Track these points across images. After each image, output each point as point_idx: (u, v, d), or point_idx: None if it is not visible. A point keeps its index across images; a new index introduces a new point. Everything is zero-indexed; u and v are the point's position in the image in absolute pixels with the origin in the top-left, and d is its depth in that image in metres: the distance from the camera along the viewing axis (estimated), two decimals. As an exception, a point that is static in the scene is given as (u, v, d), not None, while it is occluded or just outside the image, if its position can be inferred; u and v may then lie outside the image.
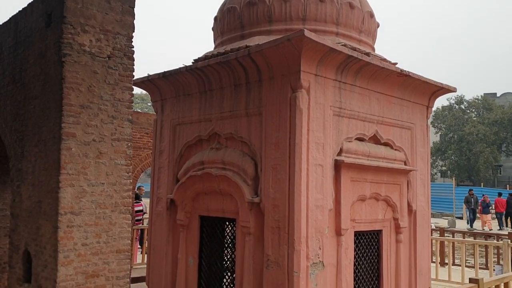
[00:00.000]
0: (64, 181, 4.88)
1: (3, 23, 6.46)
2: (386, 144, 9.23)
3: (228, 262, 10.64)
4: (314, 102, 7.78)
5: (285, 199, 7.52)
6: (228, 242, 10.24)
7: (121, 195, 5.32)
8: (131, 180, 5.49)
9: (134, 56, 5.56)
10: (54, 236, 4.85)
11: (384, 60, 9.28)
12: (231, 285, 10.58)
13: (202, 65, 9.01)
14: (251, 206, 8.07)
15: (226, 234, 10.09)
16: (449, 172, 60.85)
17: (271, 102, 7.94)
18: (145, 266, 11.66)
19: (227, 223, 9.62)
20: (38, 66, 5.46)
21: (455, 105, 62.94)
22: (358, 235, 8.60)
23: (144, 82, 9.74)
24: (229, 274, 10.65)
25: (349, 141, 8.42)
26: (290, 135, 7.59)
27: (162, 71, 9.73)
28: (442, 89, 10.02)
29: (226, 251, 10.32)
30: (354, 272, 8.40)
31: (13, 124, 5.94)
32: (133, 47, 5.60)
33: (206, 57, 9.62)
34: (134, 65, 5.56)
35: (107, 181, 5.20)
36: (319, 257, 7.66)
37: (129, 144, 5.46)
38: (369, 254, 8.90)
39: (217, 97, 9.11)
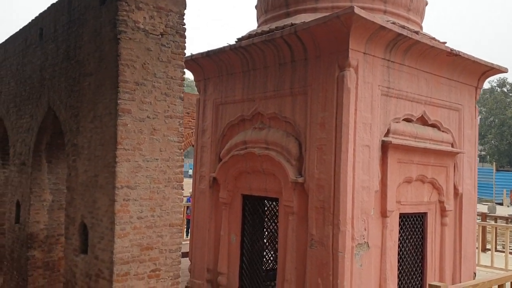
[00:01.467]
0: (121, 156, 5.02)
1: (57, 1, 6.62)
2: (433, 126, 9.07)
3: (270, 240, 10.77)
4: (362, 81, 7.69)
5: (330, 179, 7.52)
6: (271, 221, 10.36)
7: (173, 171, 5.44)
8: (182, 157, 5.60)
9: (185, 34, 5.61)
10: (111, 209, 5.01)
11: (433, 39, 9.05)
12: (273, 263, 10.73)
13: (246, 44, 9.01)
14: (294, 186, 8.11)
15: (268, 213, 10.20)
16: (488, 157, 59.25)
17: (317, 81, 7.89)
18: (187, 242, 11.96)
19: (269, 202, 9.72)
20: (93, 43, 5.58)
21: (496, 87, 60.95)
22: (403, 217, 8.53)
23: (187, 61, 9.81)
24: (271, 252, 10.78)
25: (397, 122, 8.31)
26: (337, 115, 7.55)
27: (206, 50, 9.79)
28: (493, 70, 9.72)
29: (268, 230, 10.44)
30: (398, 254, 8.36)
31: (68, 100, 6.12)
32: (184, 25, 5.65)
33: (249, 35, 9.61)
34: (185, 43, 5.62)
35: (160, 157, 5.31)
36: (364, 238, 7.66)
37: (180, 122, 5.55)
38: (413, 237, 8.83)
39: (260, 77, 9.12)
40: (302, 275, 8.00)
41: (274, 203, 9.29)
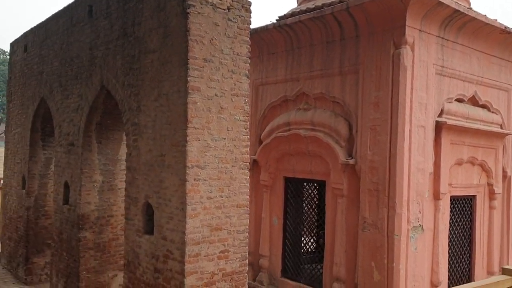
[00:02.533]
0: (191, 135, 4.92)
1: (110, -23, 6.49)
2: (483, 106, 8.86)
3: (315, 223, 10.70)
4: (418, 60, 7.49)
5: (385, 161, 7.38)
6: (316, 203, 10.27)
7: (240, 151, 5.33)
8: (248, 136, 5.49)
9: (251, 8, 5.45)
10: (181, 189, 4.93)
11: (484, 16, 8.80)
12: (311, 245, 10.66)
13: (291, 22, 8.81)
14: (344, 168, 7.98)
15: (313, 195, 10.12)
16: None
17: (370, 60, 7.70)
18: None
19: (314, 184, 9.62)
20: (156, 19, 5.45)
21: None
22: (453, 200, 8.39)
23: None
24: (315, 234, 10.70)
25: (449, 102, 8.12)
26: (393, 94, 7.36)
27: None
28: (546, 49, 9.44)
29: (312, 212, 10.37)
30: (448, 237, 8.25)
31: (125, 78, 6.02)
32: (250, -1, 5.50)
33: (293, 13, 9.39)
34: (251, 18, 5.46)
35: (228, 136, 5.21)
36: (419, 221, 7.54)
37: (246, 100, 5.43)
38: (462, 220, 8.69)
39: (306, 55, 8.93)
40: (353, 258, 7.92)
41: (320, 185, 9.18)
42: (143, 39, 5.67)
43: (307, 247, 10.45)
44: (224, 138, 5.18)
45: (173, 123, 5.12)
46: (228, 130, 5.21)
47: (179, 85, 5.03)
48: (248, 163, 5.46)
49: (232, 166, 5.23)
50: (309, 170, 8.80)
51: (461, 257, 8.66)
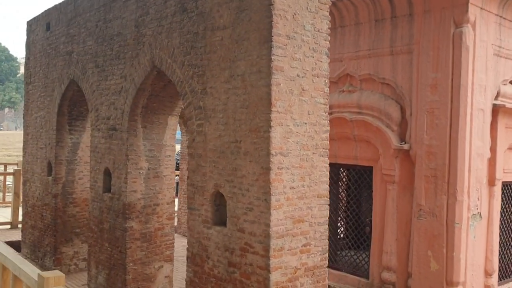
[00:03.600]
0: (275, 120, 4.53)
1: None
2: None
3: (356, 210, 10.42)
4: (479, 39, 7.13)
5: (444, 146, 7.06)
6: (360, 189, 9.97)
7: (320, 136, 4.97)
8: (328, 121, 5.12)
9: (329, -19, 5.04)
10: (264, 178, 4.56)
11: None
12: (362, 232, 10.37)
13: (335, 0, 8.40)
14: (397, 154, 7.66)
15: (357, 181, 9.81)
16: None
17: (427, 39, 7.32)
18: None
19: (359, 170, 9.30)
20: (225, -7, 5.02)
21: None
22: (504, 186, 8.14)
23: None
24: (360, 221, 10.41)
25: (504, 84, 7.81)
26: (453, 76, 7.02)
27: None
28: None
29: (355, 199, 10.07)
30: (499, 224, 8.02)
31: (185, 58, 5.59)
32: (326, -28, 5.07)
33: (335, -9, 8.96)
34: (330, -8, 5.06)
35: (309, 121, 4.83)
36: (477, 208, 7.28)
37: (326, 81, 5.04)
38: (511, 206, 8.47)
39: (350, 35, 8.53)
40: (405, 246, 7.65)
41: (366, 171, 8.84)
42: (210, 15, 5.23)
43: (345, 234, 10.17)
44: (306, 123, 4.80)
45: (251, 107, 4.73)
46: (309, 114, 4.83)
47: (259, 65, 4.62)
48: (328, 150, 5.10)
49: (313, 153, 4.87)
50: (354, 156, 8.47)
51: (509, 244, 8.45)
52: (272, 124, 4.52)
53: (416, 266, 7.34)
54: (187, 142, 12.08)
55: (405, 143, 7.56)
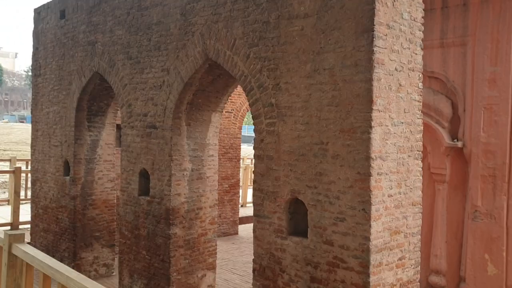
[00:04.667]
0: (375, 119, 4.01)
1: None
2: None
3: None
4: (542, 31, 6.75)
5: (504, 144, 6.64)
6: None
7: (415, 137, 4.46)
8: (422, 120, 4.63)
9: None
10: (361, 184, 4.03)
11: None
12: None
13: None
14: (448, 152, 7.23)
15: None
16: None
17: (484, 31, 6.87)
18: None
19: None
20: (306, -24, 4.44)
21: None
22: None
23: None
24: None
25: (559, 80, 7.44)
26: (515, 70, 6.62)
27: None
28: None
29: None
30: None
31: (251, 50, 5.00)
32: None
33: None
34: (422, -22, 4.54)
35: (405, 120, 4.32)
36: (538, 210, 6.92)
37: (420, 75, 4.54)
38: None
39: (392, 26, 8.05)
40: (456, 249, 7.26)
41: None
42: (286, 2, 4.64)
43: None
44: (402, 123, 4.29)
45: (342, 105, 4.19)
46: (405, 113, 4.32)
47: (355, 57, 4.08)
48: (421, 152, 4.61)
49: (408, 156, 4.37)
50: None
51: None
52: (372, 124, 3.99)
53: (471, 270, 6.95)
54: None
55: (457, 140, 7.13)
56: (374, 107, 3.99)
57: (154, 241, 6.34)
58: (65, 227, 8.47)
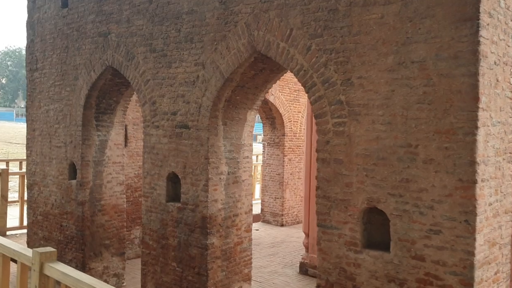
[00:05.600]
0: (480, 119, 3.54)
1: None
2: None
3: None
4: None
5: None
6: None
7: (508, 138, 4.01)
8: None
9: None
10: (463, 193, 3.52)
11: None
12: None
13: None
14: None
15: None
16: None
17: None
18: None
19: None
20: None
21: None
22: None
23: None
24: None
25: None
26: None
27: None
28: None
29: None
30: None
31: (313, 42, 4.41)
32: None
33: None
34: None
35: (500, 120, 3.86)
36: None
37: (511, 70, 4.09)
38: None
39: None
40: None
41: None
42: (361, -13, 4.11)
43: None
44: (499, 122, 3.82)
45: (437, 102, 3.69)
46: (500, 111, 3.85)
47: (456, 48, 3.57)
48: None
49: (503, 159, 3.91)
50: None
51: None
52: (478, 124, 3.51)
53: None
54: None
55: None
56: (479, 105, 3.50)
57: (187, 252, 5.72)
58: (71, 235, 7.71)
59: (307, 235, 8.77)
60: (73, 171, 7.77)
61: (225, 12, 5.25)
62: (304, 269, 8.65)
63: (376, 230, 4.16)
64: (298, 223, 12.91)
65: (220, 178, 5.60)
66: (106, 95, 7.51)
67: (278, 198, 12.44)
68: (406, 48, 3.85)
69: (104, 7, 6.93)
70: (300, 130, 12.89)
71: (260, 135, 30.37)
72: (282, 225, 12.52)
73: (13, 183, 15.28)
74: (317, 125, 4.42)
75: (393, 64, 3.92)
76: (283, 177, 12.47)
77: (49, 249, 4.30)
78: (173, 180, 6.01)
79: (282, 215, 12.54)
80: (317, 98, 4.42)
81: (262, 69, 5.36)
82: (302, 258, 8.90)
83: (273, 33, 4.77)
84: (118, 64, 6.68)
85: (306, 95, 4.52)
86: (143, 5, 6.26)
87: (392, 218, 3.95)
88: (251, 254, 6.10)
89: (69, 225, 7.77)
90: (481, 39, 3.49)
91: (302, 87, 11.49)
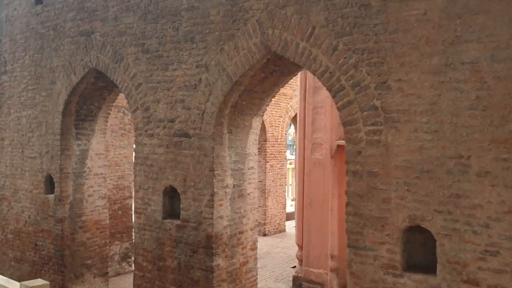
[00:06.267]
0: (545, 127, 3.17)
1: None
2: None
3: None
4: None
5: None
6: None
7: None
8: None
9: None
10: (525, 209, 3.17)
11: None
12: None
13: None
14: None
15: None
16: None
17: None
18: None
19: None
20: None
21: None
22: None
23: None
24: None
25: None
26: None
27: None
28: None
29: None
30: None
31: (340, 40, 3.95)
32: None
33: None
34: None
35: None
36: None
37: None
38: None
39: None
40: None
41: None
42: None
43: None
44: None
45: (493, 108, 3.28)
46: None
47: (515, 48, 3.20)
48: None
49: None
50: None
51: None
52: (543, 133, 3.13)
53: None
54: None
55: None
56: (544, 112, 3.13)
57: (188, 275, 5.12)
58: (49, 255, 6.96)
59: (300, 247, 8.32)
60: (49, 184, 7.03)
61: (232, 9, 4.72)
62: (298, 283, 8.19)
63: (417, 251, 3.73)
64: (280, 232, 12.46)
65: (225, 192, 5.05)
66: (87, 100, 6.82)
67: (260, 206, 11.88)
68: (455, 48, 3.44)
69: (86, 4, 6.26)
70: (281, 135, 12.46)
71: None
72: (264, 235, 11.99)
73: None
74: (346, 133, 3.95)
75: (439, 66, 3.50)
76: (265, 184, 11.98)
77: (40, 281, 3.67)
78: (170, 195, 5.41)
79: (265, 224, 12.03)
80: (346, 104, 3.96)
81: (273, 72, 4.86)
82: (296, 272, 8.45)
83: (291, 31, 4.28)
84: (103, 66, 6.03)
85: (333, 99, 4.04)
86: (133, 1, 5.64)
87: (440, 238, 3.52)
88: (256, 274, 5.57)
89: (45, 244, 7.00)
90: (546, 37, 3.12)
91: (283, 92, 10.96)
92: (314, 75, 4.14)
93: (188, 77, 5.10)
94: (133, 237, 5.63)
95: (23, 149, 7.35)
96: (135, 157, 5.65)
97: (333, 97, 4.01)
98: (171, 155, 5.26)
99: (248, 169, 5.36)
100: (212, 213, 4.89)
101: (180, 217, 5.20)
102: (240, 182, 5.25)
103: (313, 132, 8.24)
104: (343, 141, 7.66)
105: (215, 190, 4.91)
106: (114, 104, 7.24)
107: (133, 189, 9.07)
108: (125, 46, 5.72)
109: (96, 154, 7.15)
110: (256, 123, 5.39)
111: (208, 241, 4.93)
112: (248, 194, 5.37)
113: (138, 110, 5.61)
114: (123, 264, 8.81)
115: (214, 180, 4.90)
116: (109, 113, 7.22)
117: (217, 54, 4.85)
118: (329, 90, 4.04)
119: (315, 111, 8.32)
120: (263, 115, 5.47)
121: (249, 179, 5.37)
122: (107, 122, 7.27)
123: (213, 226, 4.91)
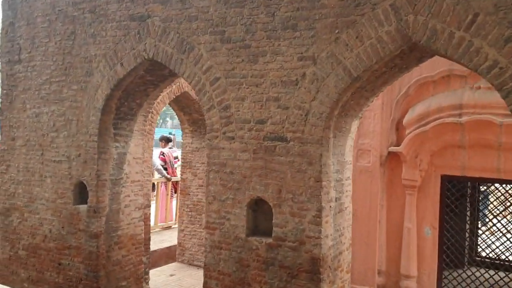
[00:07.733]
0: None
1: None
2: None
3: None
4: None
5: None
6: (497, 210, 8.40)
7: None
8: None
9: None
10: None
11: None
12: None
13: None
14: None
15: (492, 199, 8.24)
16: None
17: None
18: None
19: (497, 186, 7.74)
20: None
21: None
22: None
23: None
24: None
25: None
26: None
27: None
28: None
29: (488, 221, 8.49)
30: None
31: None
32: None
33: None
34: None
35: None
36: None
37: None
38: None
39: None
40: None
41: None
42: None
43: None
44: None
45: None
46: None
47: None
48: None
49: None
50: (497, 168, 6.88)
51: None
52: None
53: None
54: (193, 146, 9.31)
55: None
56: None
57: (283, 304, 4.40)
58: (78, 276, 6.02)
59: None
60: (80, 193, 6.11)
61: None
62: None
63: None
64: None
65: (330, 207, 4.37)
66: (130, 96, 5.97)
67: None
68: None
69: (138, -17, 5.44)
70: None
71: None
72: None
73: None
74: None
75: None
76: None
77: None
78: (253, 208, 4.68)
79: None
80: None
81: (393, 67, 4.24)
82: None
83: (443, 18, 3.66)
84: (164, 57, 5.21)
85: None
86: (208, -19, 4.88)
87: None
88: (349, 300, 4.91)
89: (73, 263, 6.07)
90: None
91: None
92: (475, 71, 3.54)
93: (286, 71, 4.39)
94: (204, 258, 4.83)
95: (43, 151, 6.39)
96: (207, 163, 4.86)
97: (504, 97, 3.43)
98: (260, 161, 4.52)
99: (346, 179, 4.71)
100: (320, 232, 4.20)
101: (273, 235, 4.46)
102: (340, 194, 4.58)
103: (359, 137, 7.69)
104: (396, 147, 7.14)
105: (323, 204, 4.22)
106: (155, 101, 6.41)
107: (151, 196, 8.22)
108: (197, 33, 4.94)
109: (134, 158, 6.30)
110: (354, 127, 4.75)
111: (314, 264, 4.23)
112: (345, 208, 4.71)
113: (214, 109, 4.83)
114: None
115: (321, 193, 4.21)
116: (150, 112, 6.39)
117: (329, 44, 4.17)
118: (498, 89, 3.45)
119: (362, 114, 7.78)
120: (361, 117, 4.83)
121: (346, 191, 4.71)
122: (146, 121, 6.42)
123: (321, 247, 4.21)
